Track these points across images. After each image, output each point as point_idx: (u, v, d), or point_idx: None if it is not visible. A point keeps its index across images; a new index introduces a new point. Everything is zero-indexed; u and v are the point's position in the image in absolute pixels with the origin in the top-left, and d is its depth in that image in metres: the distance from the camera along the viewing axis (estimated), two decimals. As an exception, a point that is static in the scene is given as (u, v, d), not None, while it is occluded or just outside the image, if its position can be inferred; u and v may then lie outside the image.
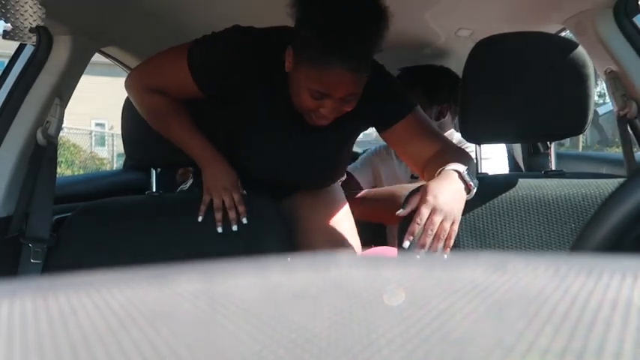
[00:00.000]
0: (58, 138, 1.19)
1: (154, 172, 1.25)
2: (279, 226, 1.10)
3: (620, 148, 1.15)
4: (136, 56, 1.61)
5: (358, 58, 0.93)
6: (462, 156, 1.01)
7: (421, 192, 0.92)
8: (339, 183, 1.35)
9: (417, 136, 1.10)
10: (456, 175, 0.94)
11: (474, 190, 0.95)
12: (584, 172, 1.10)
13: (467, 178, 0.94)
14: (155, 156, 1.19)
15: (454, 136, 1.68)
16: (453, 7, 1.39)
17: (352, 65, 0.93)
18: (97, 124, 14.61)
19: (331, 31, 0.91)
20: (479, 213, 0.99)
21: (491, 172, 1.19)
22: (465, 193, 0.94)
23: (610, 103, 1.53)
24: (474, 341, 0.12)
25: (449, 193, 0.91)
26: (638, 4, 1.14)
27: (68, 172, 8.79)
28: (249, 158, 1.15)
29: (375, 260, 0.18)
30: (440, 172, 0.95)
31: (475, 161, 1.13)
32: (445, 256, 0.22)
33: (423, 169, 1.09)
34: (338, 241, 1.22)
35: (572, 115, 1.02)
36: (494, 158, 1.56)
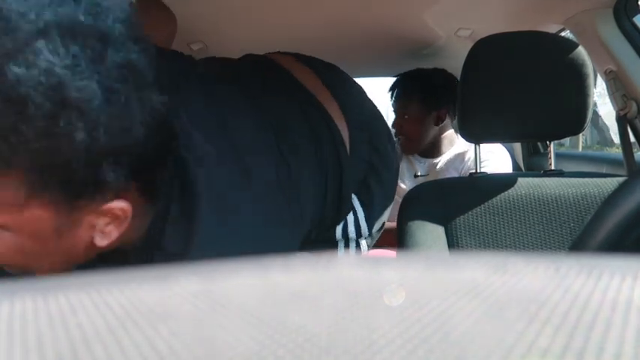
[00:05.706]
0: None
1: None
2: None
3: (620, 148, 1.15)
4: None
5: None
6: None
7: None
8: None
9: None
10: None
11: None
12: (583, 172, 1.10)
13: None
14: None
15: (455, 137, 1.68)
16: (452, 7, 1.39)
17: None
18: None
19: None
20: (478, 212, 0.99)
21: (493, 169, 1.18)
22: None
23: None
24: (474, 341, 0.12)
25: None
26: (638, 4, 1.14)
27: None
28: None
29: (375, 260, 0.18)
30: None
31: (475, 161, 1.13)
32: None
33: None
34: None
35: (571, 114, 1.02)
36: (497, 152, 1.56)
